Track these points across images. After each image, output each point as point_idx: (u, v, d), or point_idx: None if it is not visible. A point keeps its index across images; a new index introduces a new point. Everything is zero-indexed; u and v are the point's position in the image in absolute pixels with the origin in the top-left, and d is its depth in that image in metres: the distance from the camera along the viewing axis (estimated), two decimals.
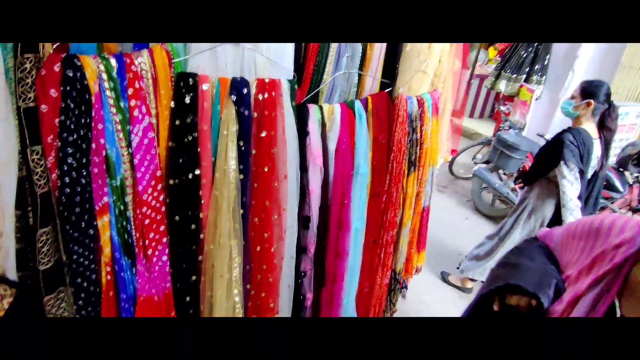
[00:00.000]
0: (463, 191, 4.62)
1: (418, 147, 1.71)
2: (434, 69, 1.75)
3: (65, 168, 1.03)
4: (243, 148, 1.24)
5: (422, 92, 1.73)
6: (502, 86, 5.72)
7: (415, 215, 1.86)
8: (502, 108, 4.45)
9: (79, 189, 1.06)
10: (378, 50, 1.50)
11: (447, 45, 1.77)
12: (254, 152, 1.26)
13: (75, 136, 1.02)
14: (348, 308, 1.67)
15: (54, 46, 0.98)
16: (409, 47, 1.56)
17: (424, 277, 2.80)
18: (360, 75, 1.51)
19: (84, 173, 1.05)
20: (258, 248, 1.35)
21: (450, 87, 1.95)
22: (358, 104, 1.47)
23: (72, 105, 0.99)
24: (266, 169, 1.27)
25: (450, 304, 2.56)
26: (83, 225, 1.09)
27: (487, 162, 4.15)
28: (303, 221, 1.45)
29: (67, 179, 1.04)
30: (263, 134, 1.25)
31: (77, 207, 1.07)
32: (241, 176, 1.26)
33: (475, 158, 4.80)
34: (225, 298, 1.33)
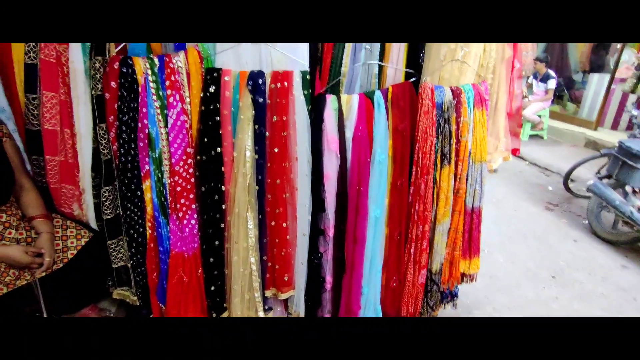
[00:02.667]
0: (580, 211, 3.93)
1: (453, 139, 1.62)
2: (476, 58, 1.66)
3: (121, 141, 1.37)
4: (258, 131, 1.42)
5: (463, 83, 1.66)
6: None
7: (456, 215, 1.74)
8: (635, 112, 3.67)
9: (129, 158, 1.38)
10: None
11: None
12: (267, 135, 1.43)
13: (127, 117, 1.35)
14: (369, 298, 1.66)
15: (116, 49, 1.34)
16: None
17: (500, 293, 2.51)
18: (381, 66, 1.55)
19: (133, 146, 1.37)
20: (272, 223, 1.50)
21: (503, 78, 1.79)
22: (377, 94, 1.51)
23: (125, 94, 1.33)
24: (276, 150, 1.42)
25: None
26: (133, 187, 1.42)
27: (609, 176, 3.47)
28: (319, 204, 1.54)
29: (122, 150, 1.38)
30: (275, 119, 1.41)
31: (129, 172, 1.40)
32: (256, 156, 1.44)
33: (600, 173, 4.03)
34: (241, 264, 1.51)
